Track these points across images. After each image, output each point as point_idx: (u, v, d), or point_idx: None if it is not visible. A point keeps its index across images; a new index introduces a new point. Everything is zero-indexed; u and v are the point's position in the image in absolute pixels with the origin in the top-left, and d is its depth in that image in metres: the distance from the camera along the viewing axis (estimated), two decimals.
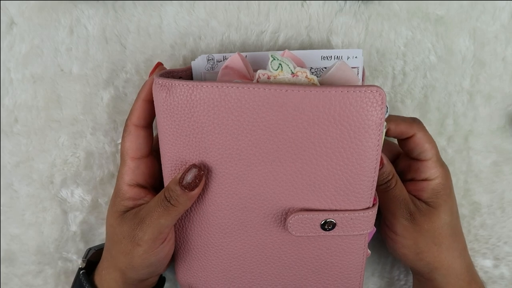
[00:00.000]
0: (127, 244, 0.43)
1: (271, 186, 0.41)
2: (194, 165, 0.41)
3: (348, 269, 0.45)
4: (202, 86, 0.39)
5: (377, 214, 0.43)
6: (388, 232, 0.48)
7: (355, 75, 0.40)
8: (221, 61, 0.44)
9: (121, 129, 0.53)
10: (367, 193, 0.41)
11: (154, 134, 0.48)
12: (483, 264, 0.57)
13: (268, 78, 0.39)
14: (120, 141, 0.53)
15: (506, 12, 0.50)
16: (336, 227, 0.42)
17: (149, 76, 0.45)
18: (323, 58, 0.44)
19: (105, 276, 0.46)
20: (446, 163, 0.47)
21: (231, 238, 0.44)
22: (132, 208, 0.44)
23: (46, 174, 0.54)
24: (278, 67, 0.38)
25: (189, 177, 0.40)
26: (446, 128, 0.53)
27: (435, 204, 0.46)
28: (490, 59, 0.51)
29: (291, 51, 0.42)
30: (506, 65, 0.51)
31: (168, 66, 0.51)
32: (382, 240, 0.51)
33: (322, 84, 0.39)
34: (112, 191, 0.54)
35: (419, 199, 0.47)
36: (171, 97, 0.39)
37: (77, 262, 0.57)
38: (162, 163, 0.43)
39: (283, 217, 0.42)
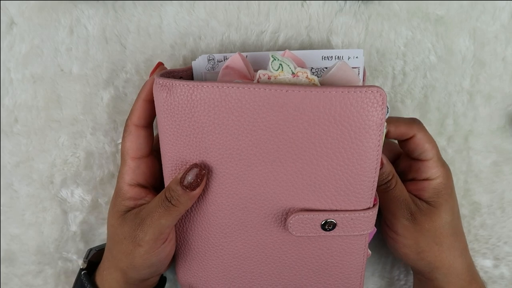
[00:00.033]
0: (128, 245, 0.43)
1: (272, 186, 0.41)
2: (195, 165, 0.41)
3: (348, 269, 0.45)
4: (202, 86, 0.39)
5: (377, 214, 0.43)
6: (389, 232, 0.48)
7: (356, 76, 0.40)
8: (222, 61, 0.44)
9: (121, 129, 0.53)
10: (368, 194, 0.41)
11: (155, 134, 0.48)
12: (483, 264, 0.57)
13: (269, 78, 0.39)
14: (120, 141, 0.53)
15: (506, 12, 0.50)
16: (337, 227, 0.42)
17: (150, 76, 0.45)
18: (324, 58, 0.44)
19: (106, 276, 0.46)
20: (446, 162, 0.47)
21: (232, 238, 0.44)
22: (133, 208, 0.44)
23: (46, 174, 0.54)
24: (279, 67, 0.38)
25: (190, 176, 0.40)
26: (446, 128, 0.53)
27: (436, 204, 0.46)
28: (490, 59, 0.51)
29: (291, 51, 0.42)
30: (506, 65, 0.51)
31: (168, 66, 0.51)
32: (383, 240, 0.51)
33: (323, 84, 0.39)
34: (112, 191, 0.54)
35: (420, 198, 0.47)
36: (172, 97, 0.39)
37: (77, 262, 0.57)
38: (162, 163, 0.43)
39: (284, 217, 0.42)
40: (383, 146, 0.39)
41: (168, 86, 0.39)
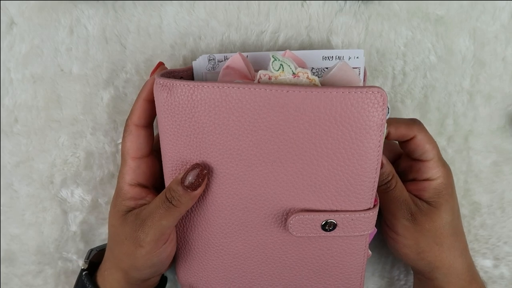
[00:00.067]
0: (130, 245, 0.43)
1: (272, 187, 0.41)
2: (197, 165, 0.41)
3: (348, 269, 0.45)
4: (203, 86, 0.39)
5: (377, 215, 0.43)
6: (389, 232, 0.48)
7: (357, 76, 0.40)
8: (222, 61, 0.44)
9: (121, 129, 0.53)
10: (368, 194, 0.41)
11: (155, 134, 0.48)
12: (483, 264, 0.57)
13: (269, 78, 0.39)
14: (120, 141, 0.53)
15: (506, 12, 0.50)
16: (337, 228, 0.42)
17: (150, 76, 0.45)
18: (324, 58, 0.44)
19: (107, 277, 0.46)
20: (447, 163, 0.48)
21: (232, 238, 0.44)
22: (134, 208, 0.44)
23: (46, 174, 0.54)
24: (279, 68, 0.38)
25: (191, 177, 0.40)
26: (446, 128, 0.53)
27: (436, 204, 0.46)
28: (490, 59, 0.51)
29: (292, 52, 0.42)
30: (506, 65, 0.52)
31: (168, 66, 0.51)
32: (383, 240, 0.51)
33: (324, 84, 0.39)
34: (112, 191, 0.54)
35: (420, 199, 0.47)
36: (172, 97, 0.39)
37: (77, 262, 0.57)
38: (163, 163, 0.43)
39: (284, 217, 0.42)
40: (384, 146, 0.39)
41: (168, 86, 0.39)
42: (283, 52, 0.42)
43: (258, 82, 0.39)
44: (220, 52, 0.51)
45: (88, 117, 0.52)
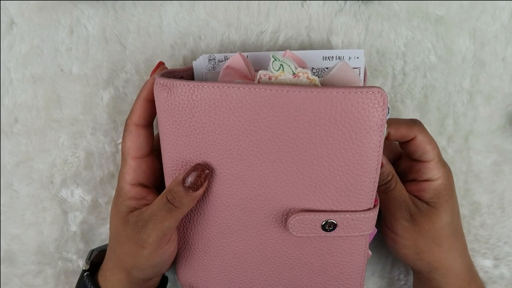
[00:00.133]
0: (132, 246, 0.43)
1: (272, 187, 0.41)
2: (198, 165, 0.41)
3: (348, 269, 0.45)
4: (203, 86, 0.39)
5: (377, 215, 0.43)
6: (389, 233, 0.48)
7: (357, 76, 0.40)
8: (223, 61, 0.44)
9: (121, 129, 0.53)
10: (368, 194, 0.41)
11: (155, 134, 0.48)
12: (483, 264, 0.57)
13: (270, 78, 0.39)
14: (120, 141, 0.53)
15: (506, 12, 0.50)
16: (337, 228, 0.42)
17: (150, 76, 0.45)
18: (324, 58, 0.44)
19: (109, 277, 0.46)
20: (447, 163, 0.48)
21: (232, 239, 0.44)
22: (135, 208, 0.44)
23: (46, 174, 0.54)
24: (280, 68, 0.38)
25: (192, 177, 0.40)
26: (446, 128, 0.53)
27: (436, 205, 0.46)
28: (490, 59, 0.51)
29: (292, 52, 0.42)
30: (506, 65, 0.52)
31: (168, 66, 0.50)
32: (383, 240, 0.51)
33: (324, 84, 0.39)
34: (112, 191, 0.54)
35: (420, 199, 0.47)
36: (172, 97, 0.39)
37: (77, 262, 0.57)
38: (163, 163, 0.43)
39: (284, 217, 0.42)
40: (384, 147, 0.39)
41: (168, 86, 0.39)
42: (283, 52, 0.42)
43: (258, 82, 0.39)
44: (220, 52, 0.51)
45: (88, 117, 0.52)
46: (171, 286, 0.57)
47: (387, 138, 0.45)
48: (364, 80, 0.46)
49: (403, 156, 0.50)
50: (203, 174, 0.40)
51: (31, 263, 0.56)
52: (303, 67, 0.39)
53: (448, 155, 0.54)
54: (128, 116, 0.44)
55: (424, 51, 0.51)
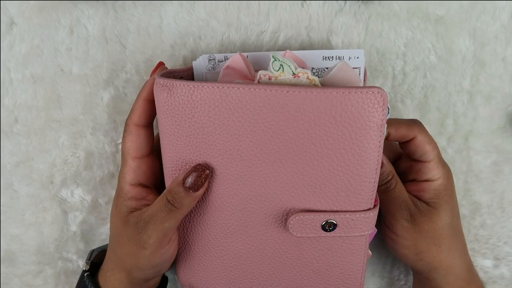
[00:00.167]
0: (132, 247, 0.43)
1: (272, 187, 0.41)
2: (198, 165, 0.41)
3: (349, 270, 0.45)
4: (203, 86, 0.39)
5: (377, 215, 0.43)
6: (388, 233, 0.48)
7: (357, 76, 0.40)
8: (223, 61, 0.44)
9: (121, 129, 0.53)
10: (368, 194, 0.41)
11: (155, 134, 0.48)
12: (483, 264, 0.57)
13: (269, 79, 0.39)
14: (120, 141, 0.53)
15: (506, 12, 0.50)
16: (337, 228, 0.42)
17: (150, 76, 0.45)
18: (324, 58, 0.44)
19: (109, 277, 0.46)
20: (446, 163, 0.47)
21: (232, 239, 0.44)
22: (135, 208, 0.44)
23: (46, 174, 0.54)
24: (279, 68, 0.38)
25: (192, 177, 0.40)
26: (446, 128, 0.53)
27: (436, 205, 0.46)
28: (490, 59, 0.51)
29: (292, 52, 0.42)
30: (506, 65, 0.52)
31: (168, 66, 0.50)
32: (383, 240, 0.51)
33: (324, 84, 0.39)
34: (112, 191, 0.54)
35: (420, 199, 0.47)
36: (172, 98, 0.39)
37: (77, 262, 0.57)
38: (163, 163, 0.43)
39: (284, 217, 0.42)
40: (384, 147, 0.39)
41: (168, 86, 0.39)
42: (283, 52, 0.42)
43: (258, 82, 0.39)
44: (220, 52, 0.51)
45: (88, 117, 0.52)
46: (171, 286, 0.57)
47: (387, 138, 0.45)
48: (364, 80, 0.46)
49: (403, 156, 0.50)
50: (203, 174, 0.40)
51: (31, 263, 0.56)
52: (303, 67, 0.39)
53: (448, 155, 0.54)
54: (128, 116, 0.44)
55: (424, 51, 0.51)
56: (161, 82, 0.40)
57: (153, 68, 0.49)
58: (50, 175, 0.54)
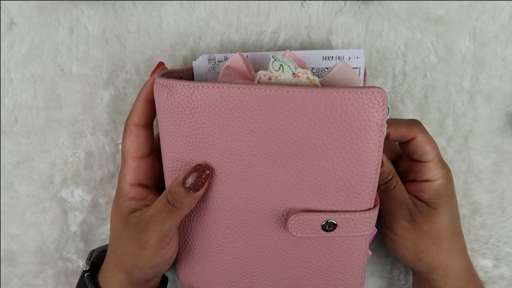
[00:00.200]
0: (133, 247, 0.43)
1: (272, 187, 0.41)
2: (199, 165, 0.41)
3: (349, 269, 0.45)
4: (203, 86, 0.39)
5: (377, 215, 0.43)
6: (388, 233, 0.48)
7: (357, 76, 0.40)
8: (222, 61, 0.44)
9: (121, 129, 0.53)
10: (368, 194, 0.41)
11: (155, 134, 0.48)
12: (483, 264, 0.57)
13: (269, 79, 0.39)
14: (120, 141, 0.53)
15: (506, 12, 0.50)
16: (337, 228, 0.42)
17: (150, 76, 0.45)
18: (324, 58, 0.44)
19: (110, 278, 0.46)
20: (446, 163, 0.47)
21: (232, 239, 0.44)
22: (136, 208, 0.44)
23: (46, 174, 0.54)
24: (279, 68, 0.38)
25: (192, 178, 0.40)
26: (446, 128, 0.53)
27: (435, 205, 0.46)
28: (490, 59, 0.51)
29: (292, 52, 0.42)
30: (506, 65, 0.52)
31: (168, 66, 0.50)
32: (382, 240, 0.51)
33: (324, 84, 0.39)
34: (112, 191, 0.54)
35: (420, 199, 0.47)
36: (172, 98, 0.39)
37: (77, 262, 0.57)
38: (163, 163, 0.43)
39: (284, 217, 0.42)
40: (384, 147, 0.39)
41: (168, 86, 0.39)
42: (283, 52, 0.42)
43: (258, 82, 0.39)
44: (220, 52, 0.51)
45: (88, 117, 0.52)
46: (171, 286, 0.57)
47: (387, 138, 0.44)
48: (364, 80, 0.46)
49: (403, 156, 0.50)
50: (203, 174, 0.40)
51: (31, 263, 0.56)
52: (303, 67, 0.39)
53: (448, 155, 0.54)
54: (128, 116, 0.44)
55: (424, 51, 0.51)
56: (161, 82, 0.40)
57: (153, 68, 0.49)
58: (50, 175, 0.54)
